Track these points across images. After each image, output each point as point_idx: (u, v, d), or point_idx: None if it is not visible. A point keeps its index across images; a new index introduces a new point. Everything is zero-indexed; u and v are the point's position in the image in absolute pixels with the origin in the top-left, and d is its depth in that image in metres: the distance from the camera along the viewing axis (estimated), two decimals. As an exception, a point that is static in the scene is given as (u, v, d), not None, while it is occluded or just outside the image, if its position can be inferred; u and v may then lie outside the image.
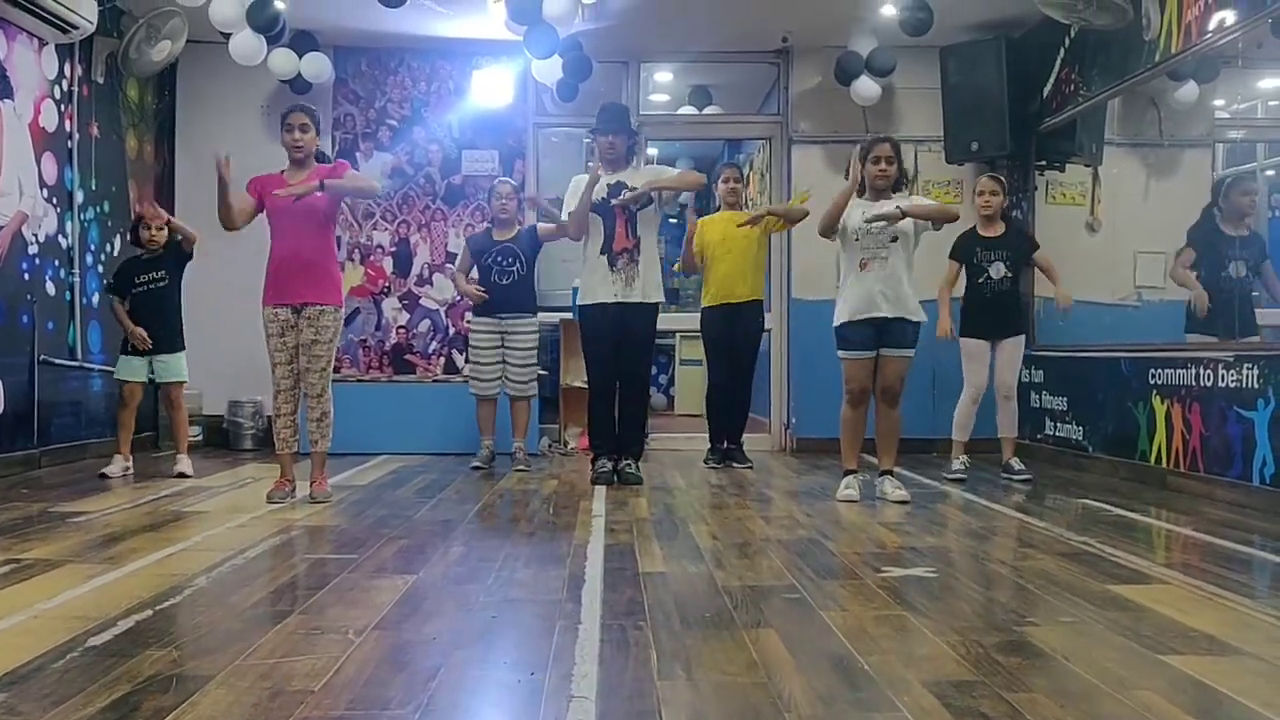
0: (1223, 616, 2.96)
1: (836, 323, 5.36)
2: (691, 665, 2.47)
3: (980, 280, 6.19)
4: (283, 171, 5.19)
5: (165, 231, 6.27)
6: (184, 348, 6.34)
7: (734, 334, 6.86)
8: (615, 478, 5.91)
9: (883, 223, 5.17)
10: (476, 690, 2.35)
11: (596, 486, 5.77)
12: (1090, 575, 3.48)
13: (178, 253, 6.27)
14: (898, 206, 5.21)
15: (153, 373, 6.24)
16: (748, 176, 10.54)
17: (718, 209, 7.21)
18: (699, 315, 7.11)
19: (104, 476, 6.01)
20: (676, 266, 7.11)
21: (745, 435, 7.17)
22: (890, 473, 5.37)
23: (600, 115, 6.10)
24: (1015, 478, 6.11)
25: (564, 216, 6.10)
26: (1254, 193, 5.97)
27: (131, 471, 6.19)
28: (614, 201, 5.85)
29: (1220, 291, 5.89)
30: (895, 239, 5.23)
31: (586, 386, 6.31)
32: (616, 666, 2.45)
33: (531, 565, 3.67)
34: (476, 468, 6.59)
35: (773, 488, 5.97)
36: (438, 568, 3.61)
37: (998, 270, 6.15)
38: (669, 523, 4.62)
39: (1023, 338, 6.29)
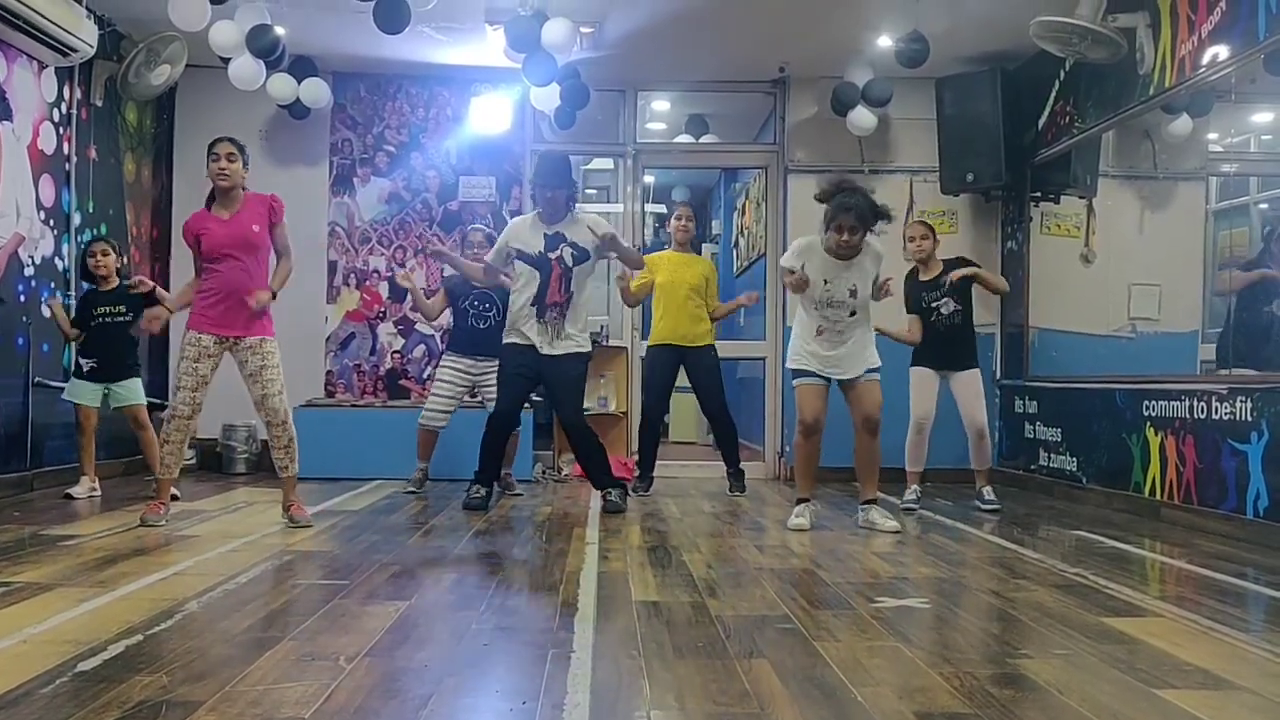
0: (1217, 650, 2.95)
1: (790, 366, 5.46)
2: (684, 695, 2.45)
3: (932, 319, 6.26)
4: (208, 206, 5.16)
5: (111, 257, 6.24)
6: (138, 374, 6.34)
7: (693, 379, 6.94)
8: (483, 508, 5.89)
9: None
10: (468, 719, 2.34)
11: (468, 511, 5.78)
12: (1084, 607, 3.47)
13: (139, 296, 6.19)
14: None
15: (108, 400, 6.24)
16: (743, 206, 10.59)
17: (665, 246, 7.22)
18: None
19: (69, 497, 6.02)
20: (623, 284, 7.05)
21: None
22: (875, 501, 5.39)
23: (540, 168, 5.97)
24: (985, 507, 6.17)
25: (487, 257, 6.13)
26: None
27: (98, 494, 6.20)
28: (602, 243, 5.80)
29: (1260, 327, 5.83)
30: (854, 313, 5.30)
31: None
32: (609, 696, 2.44)
33: (524, 593, 3.65)
34: (411, 492, 6.64)
35: (766, 516, 5.96)
36: (430, 595, 3.59)
37: (948, 306, 6.22)
38: (662, 551, 4.60)
39: (978, 372, 6.29)
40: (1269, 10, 4.99)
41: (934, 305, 6.23)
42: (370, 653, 2.77)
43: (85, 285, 6.43)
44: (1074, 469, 6.85)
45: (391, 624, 3.11)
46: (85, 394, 6.18)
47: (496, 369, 6.40)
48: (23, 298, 6.34)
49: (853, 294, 5.25)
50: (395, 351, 8.21)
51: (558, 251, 5.79)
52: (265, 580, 3.82)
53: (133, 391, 6.27)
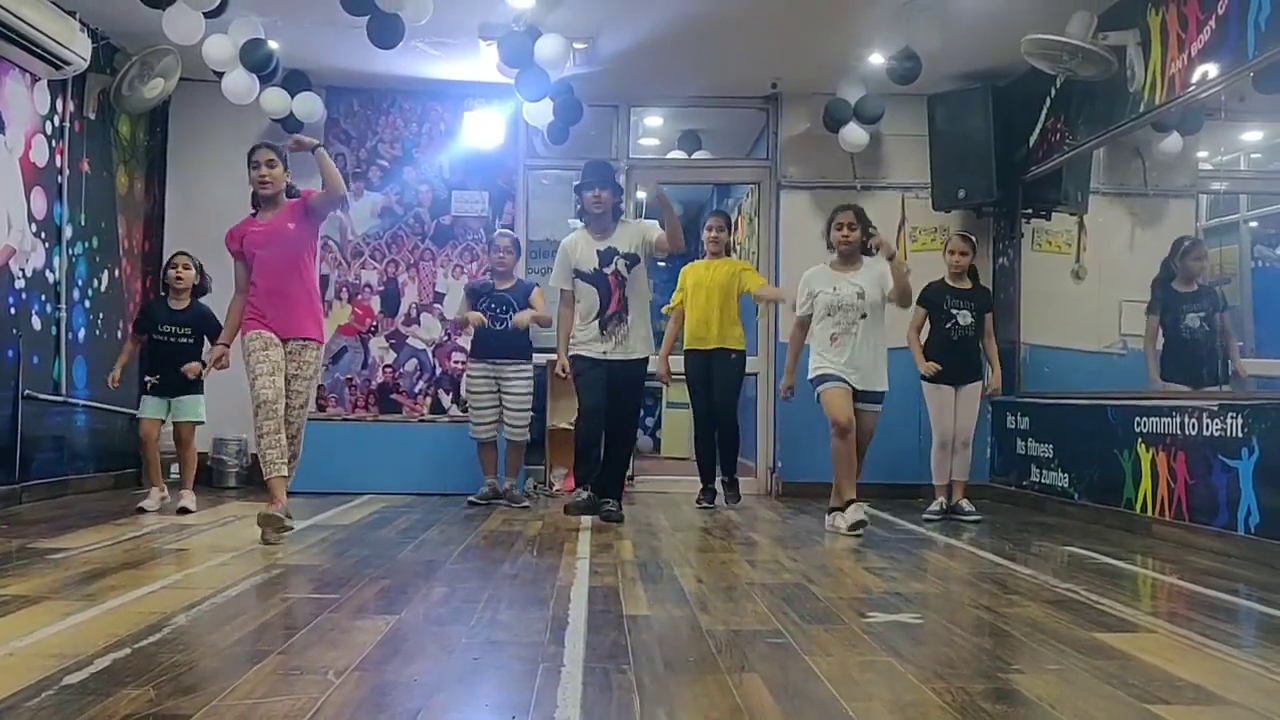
0: (1209, 666, 2.95)
1: (812, 376, 5.74)
2: (675, 710, 2.44)
3: (948, 326, 6.50)
4: (252, 215, 5.27)
5: (192, 272, 6.32)
6: (202, 392, 6.40)
7: (709, 380, 6.97)
8: (592, 510, 5.86)
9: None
10: (457, 733, 2.32)
11: (570, 516, 5.88)
12: (1076, 623, 3.47)
13: (206, 322, 6.27)
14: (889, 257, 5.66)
15: (170, 411, 6.33)
16: (736, 221, 10.59)
17: (703, 257, 7.26)
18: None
19: (141, 510, 6.10)
20: (666, 310, 7.22)
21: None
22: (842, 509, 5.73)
23: (586, 170, 6.19)
24: (966, 518, 6.38)
25: (551, 282, 6.33)
26: (1205, 257, 6.18)
27: (167, 500, 6.30)
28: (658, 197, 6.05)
29: (1183, 344, 6.01)
30: (865, 315, 5.65)
31: (572, 428, 6.42)
32: (599, 711, 2.43)
33: (514, 607, 3.64)
34: (473, 503, 6.81)
35: (758, 531, 5.95)
36: (420, 608, 3.58)
37: (965, 318, 6.51)
38: (653, 565, 4.59)
39: (980, 384, 6.60)
40: (1258, 29, 5.02)
41: (954, 313, 6.47)
42: (360, 667, 2.75)
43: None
44: (1065, 485, 6.85)
45: (381, 638, 3.09)
46: (148, 408, 6.31)
47: (516, 370, 6.78)
48: (13, 310, 6.32)
49: (860, 296, 5.66)
50: (387, 366, 8.20)
51: (612, 266, 5.99)
52: (254, 594, 3.80)
53: (191, 408, 6.34)
